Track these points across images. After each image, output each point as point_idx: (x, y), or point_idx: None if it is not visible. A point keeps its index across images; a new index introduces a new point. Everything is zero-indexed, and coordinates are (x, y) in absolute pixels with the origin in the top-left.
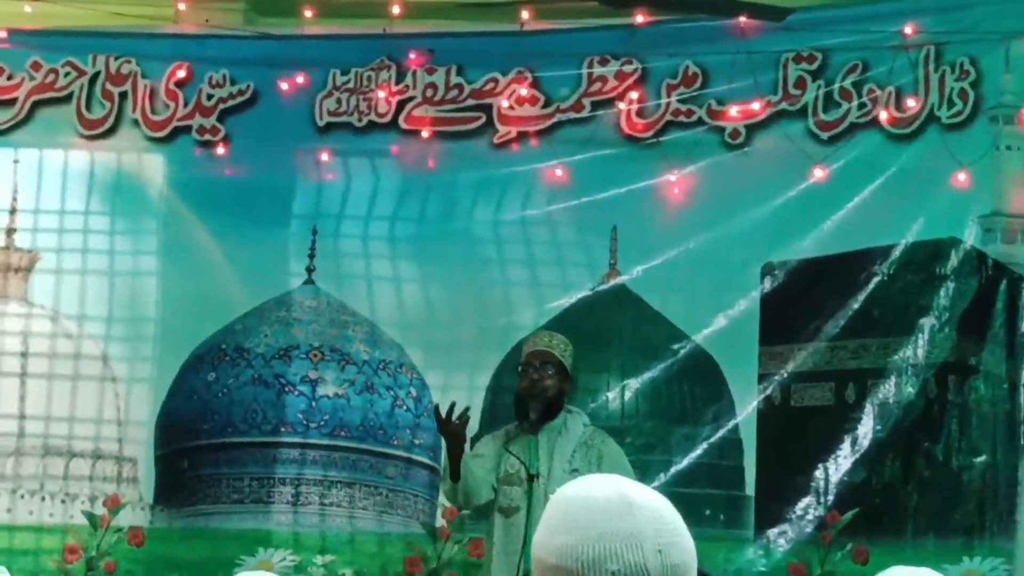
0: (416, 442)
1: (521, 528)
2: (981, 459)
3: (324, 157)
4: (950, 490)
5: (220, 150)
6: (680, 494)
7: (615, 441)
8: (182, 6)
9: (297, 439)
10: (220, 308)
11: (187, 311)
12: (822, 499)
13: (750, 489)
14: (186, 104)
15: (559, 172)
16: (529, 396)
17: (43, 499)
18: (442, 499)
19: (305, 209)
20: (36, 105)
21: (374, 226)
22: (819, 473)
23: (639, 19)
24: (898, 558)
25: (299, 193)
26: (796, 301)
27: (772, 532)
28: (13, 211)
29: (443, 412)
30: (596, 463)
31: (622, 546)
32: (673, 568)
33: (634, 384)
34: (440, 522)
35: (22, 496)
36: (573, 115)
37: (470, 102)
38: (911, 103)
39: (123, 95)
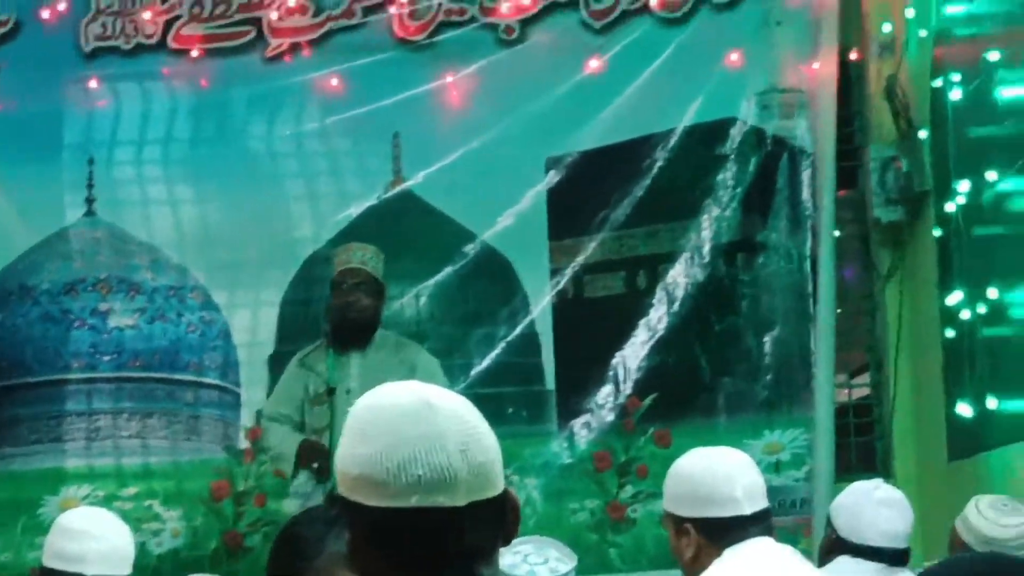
0: (211, 366)
1: (326, 446)
2: (774, 333)
3: (93, 84)
4: (746, 367)
5: None
6: (482, 395)
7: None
8: None
9: (91, 374)
10: None
11: None
12: (622, 387)
13: (550, 383)
14: None
15: (335, 82)
16: (344, 318)
17: None
18: (244, 421)
19: (77, 138)
20: None
21: (149, 150)
22: (617, 361)
23: None
24: (700, 438)
25: (70, 123)
26: (581, 193)
27: (575, 424)
28: None
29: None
30: (409, 375)
31: (425, 449)
32: (479, 466)
33: (427, 289)
34: (244, 444)
35: None
36: (344, 22)
37: (238, 16)
38: None
39: None
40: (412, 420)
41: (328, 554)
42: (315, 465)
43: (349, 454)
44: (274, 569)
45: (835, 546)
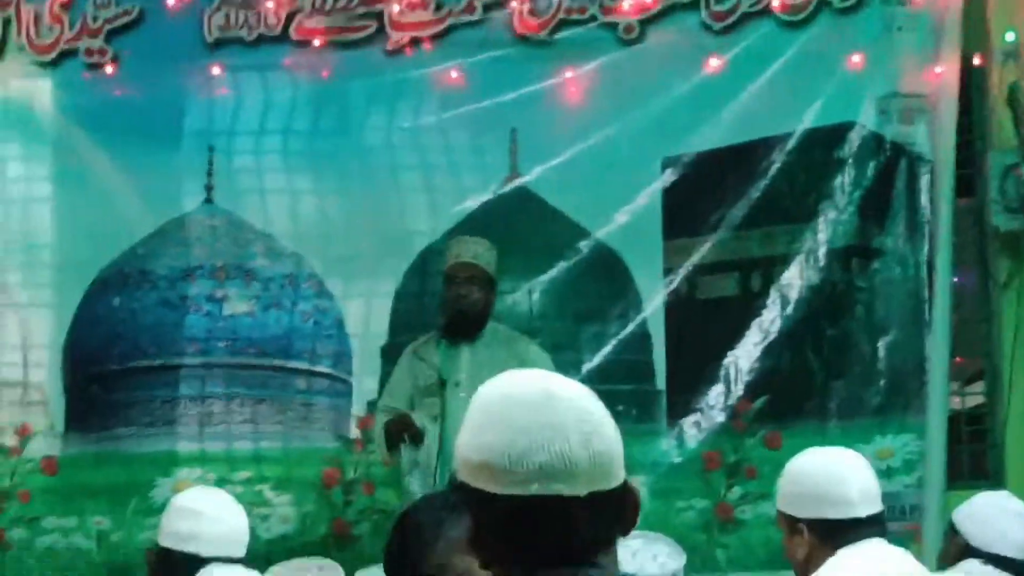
0: (324, 355)
1: (436, 436)
2: (888, 339)
3: (215, 73)
4: (859, 371)
5: (109, 71)
6: (593, 391)
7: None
8: None
9: (206, 359)
10: (118, 232)
11: (85, 236)
12: (733, 388)
13: (661, 383)
14: (72, 26)
15: (454, 76)
16: (455, 310)
17: None
18: (355, 410)
19: (198, 126)
20: None
21: (268, 140)
22: (728, 362)
23: None
24: (810, 441)
25: (191, 111)
26: (698, 193)
27: (685, 423)
28: None
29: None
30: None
31: (547, 438)
32: (599, 455)
33: (540, 284)
34: (355, 433)
35: None
36: (466, 18)
37: (361, 9)
38: None
39: (7, 20)
40: (533, 408)
41: (446, 539)
42: (405, 437)
43: (471, 442)
44: (392, 553)
45: (963, 553)
